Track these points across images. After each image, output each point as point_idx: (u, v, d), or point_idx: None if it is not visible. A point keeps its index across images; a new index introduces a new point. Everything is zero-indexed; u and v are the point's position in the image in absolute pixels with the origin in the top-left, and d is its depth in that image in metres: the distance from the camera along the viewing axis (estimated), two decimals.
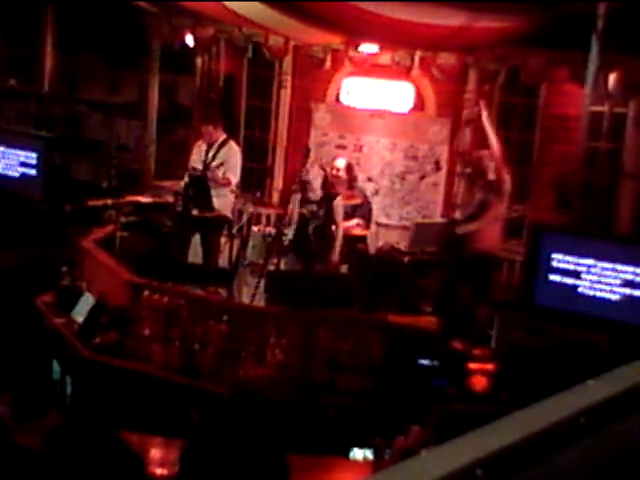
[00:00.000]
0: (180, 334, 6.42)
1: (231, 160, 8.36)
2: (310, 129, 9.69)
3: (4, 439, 3.75)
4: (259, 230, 8.65)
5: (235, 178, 8.44)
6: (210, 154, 8.38)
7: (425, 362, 6.18)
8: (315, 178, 7.77)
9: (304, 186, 7.78)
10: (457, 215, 8.14)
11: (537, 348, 6.62)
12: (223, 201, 8.37)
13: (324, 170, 7.95)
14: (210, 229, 8.41)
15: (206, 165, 8.32)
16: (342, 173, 8.33)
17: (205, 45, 9.91)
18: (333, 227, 7.78)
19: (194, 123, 10.08)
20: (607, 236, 7.63)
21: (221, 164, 8.27)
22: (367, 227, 8.51)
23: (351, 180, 8.42)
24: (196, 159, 8.50)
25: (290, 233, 7.89)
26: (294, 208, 7.82)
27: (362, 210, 8.42)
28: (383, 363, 6.22)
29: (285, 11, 8.20)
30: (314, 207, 7.73)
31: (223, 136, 8.49)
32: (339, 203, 7.81)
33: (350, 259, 8.07)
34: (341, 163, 8.43)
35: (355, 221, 8.30)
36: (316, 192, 7.77)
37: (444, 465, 1.12)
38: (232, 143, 8.52)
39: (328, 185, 7.86)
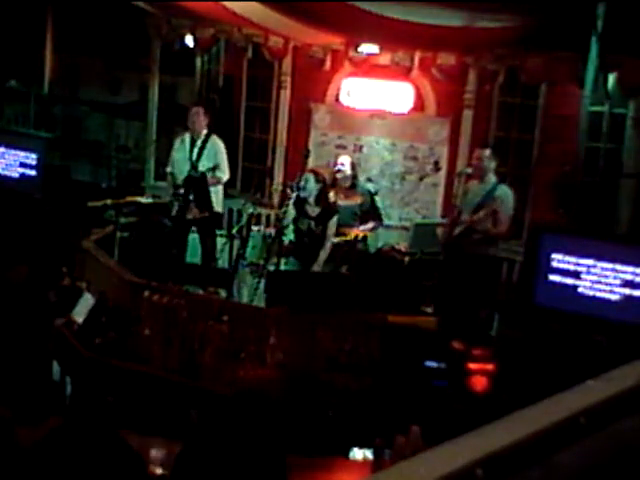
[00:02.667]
0: (180, 334, 6.42)
1: (218, 158, 8.35)
2: (310, 129, 9.70)
3: (4, 440, 3.75)
4: (259, 230, 8.66)
5: (226, 175, 8.44)
6: (195, 151, 8.34)
7: (432, 365, 6.17)
8: (311, 193, 7.77)
9: (300, 201, 7.81)
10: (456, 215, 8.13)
11: (537, 348, 6.62)
12: (215, 198, 8.40)
13: (322, 178, 7.91)
14: (206, 228, 8.43)
15: (193, 165, 8.28)
16: (347, 169, 8.32)
17: (205, 46, 9.91)
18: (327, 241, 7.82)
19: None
20: (607, 236, 7.63)
21: (213, 168, 8.24)
22: (380, 224, 8.49)
23: (354, 178, 8.42)
24: (180, 158, 8.47)
25: (289, 235, 7.92)
26: (289, 210, 7.82)
27: (369, 210, 8.38)
28: (383, 363, 6.22)
29: (285, 11, 8.21)
30: (312, 224, 7.78)
31: (206, 130, 8.46)
32: (334, 221, 7.84)
33: (350, 259, 8.07)
34: (346, 159, 8.42)
35: (370, 225, 8.30)
36: (312, 206, 7.78)
37: (444, 465, 1.12)
38: (215, 138, 8.47)
39: (325, 197, 7.85)
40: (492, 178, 7.57)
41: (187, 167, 8.31)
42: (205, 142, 8.37)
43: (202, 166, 8.29)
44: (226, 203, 9.55)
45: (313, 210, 7.80)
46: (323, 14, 8.11)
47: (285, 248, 7.91)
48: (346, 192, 8.28)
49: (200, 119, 8.40)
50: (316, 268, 7.69)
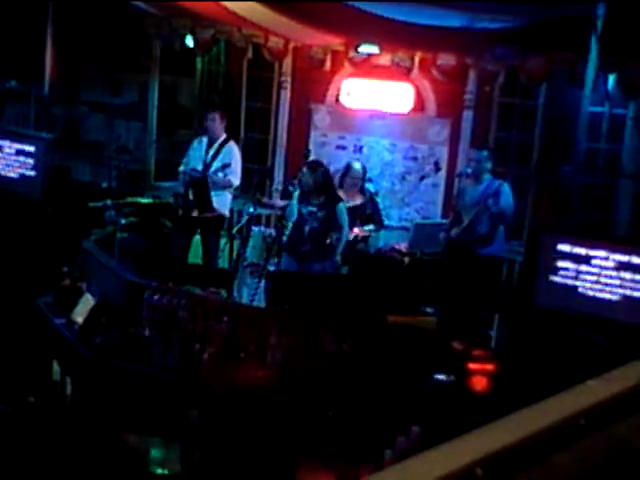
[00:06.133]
0: (180, 334, 6.42)
1: (233, 162, 8.37)
2: (310, 130, 9.71)
3: (6, 439, 3.75)
4: (259, 231, 8.67)
5: (237, 180, 8.45)
6: (210, 153, 8.38)
7: (441, 377, 6.16)
8: (309, 185, 7.71)
9: (304, 194, 7.76)
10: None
11: (537, 348, 6.63)
12: (221, 200, 8.39)
13: (316, 168, 7.85)
14: (209, 229, 8.43)
15: (206, 165, 8.33)
16: (361, 173, 8.36)
17: (205, 46, 9.91)
18: (336, 232, 7.71)
19: (195, 123, 10.12)
20: (607, 236, 7.63)
21: (223, 167, 8.28)
22: (381, 227, 8.50)
23: (363, 180, 8.44)
24: (195, 157, 8.48)
25: (287, 231, 7.90)
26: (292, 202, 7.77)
27: (371, 213, 8.38)
28: (383, 363, 6.22)
29: (285, 12, 8.21)
30: (314, 209, 7.68)
31: (224, 135, 8.49)
32: (343, 208, 7.74)
33: (351, 259, 8.07)
34: (359, 169, 8.39)
35: (370, 227, 8.29)
36: (315, 196, 7.71)
37: (444, 465, 1.12)
38: (233, 144, 8.52)
39: (327, 185, 7.78)
40: (487, 177, 7.62)
41: (200, 168, 8.33)
42: (221, 147, 8.38)
43: (214, 167, 8.30)
44: None
45: (317, 199, 7.69)
46: (323, 15, 8.12)
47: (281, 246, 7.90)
48: (348, 193, 8.29)
49: (216, 124, 8.39)
50: (337, 257, 7.65)
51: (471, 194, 7.61)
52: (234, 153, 8.44)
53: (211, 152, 8.38)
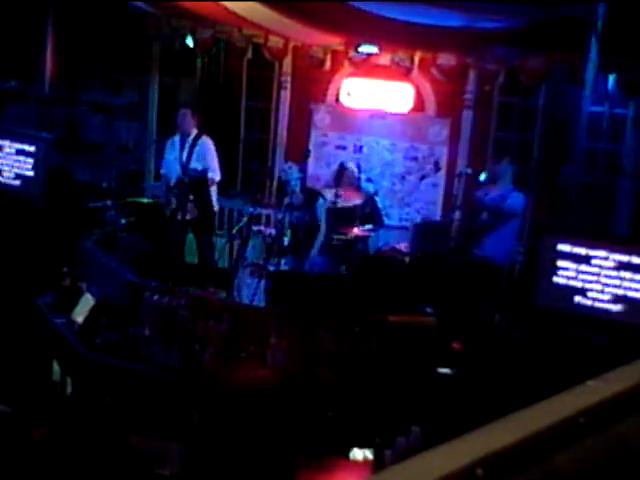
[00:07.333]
0: (180, 334, 6.42)
1: (208, 158, 8.34)
2: (310, 130, 9.70)
3: (5, 439, 3.75)
4: (259, 230, 8.67)
5: (217, 176, 8.44)
6: (185, 152, 8.34)
7: (445, 371, 6.16)
8: (294, 181, 7.83)
9: (285, 190, 7.89)
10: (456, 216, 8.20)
11: (537, 348, 6.62)
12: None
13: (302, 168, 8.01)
14: (200, 228, 8.45)
15: (184, 168, 8.29)
16: (356, 172, 8.44)
17: (205, 46, 9.91)
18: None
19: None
20: (607, 237, 7.63)
21: (202, 171, 8.24)
22: (380, 227, 8.54)
23: (358, 179, 8.50)
24: (171, 160, 8.48)
25: (287, 236, 7.99)
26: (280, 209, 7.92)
27: (370, 212, 8.41)
28: (383, 363, 6.23)
29: (284, 12, 8.21)
30: (299, 213, 7.85)
31: (195, 131, 8.46)
32: (322, 204, 7.88)
33: (350, 259, 8.08)
34: (353, 169, 8.49)
35: (369, 226, 8.31)
36: (297, 195, 7.85)
37: (444, 465, 1.12)
38: (205, 138, 8.46)
39: (306, 187, 7.94)
40: (508, 184, 7.83)
41: (178, 168, 8.32)
42: (195, 143, 8.36)
43: (193, 167, 8.28)
44: (226, 203, 9.56)
45: (298, 198, 7.87)
46: (323, 15, 8.11)
47: (284, 248, 7.95)
48: (347, 192, 8.30)
49: (187, 120, 8.39)
50: (313, 253, 7.76)
51: (490, 196, 7.91)
52: (208, 149, 8.38)
53: (185, 151, 8.34)
